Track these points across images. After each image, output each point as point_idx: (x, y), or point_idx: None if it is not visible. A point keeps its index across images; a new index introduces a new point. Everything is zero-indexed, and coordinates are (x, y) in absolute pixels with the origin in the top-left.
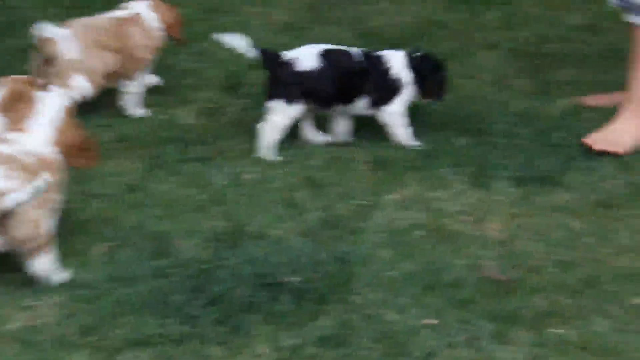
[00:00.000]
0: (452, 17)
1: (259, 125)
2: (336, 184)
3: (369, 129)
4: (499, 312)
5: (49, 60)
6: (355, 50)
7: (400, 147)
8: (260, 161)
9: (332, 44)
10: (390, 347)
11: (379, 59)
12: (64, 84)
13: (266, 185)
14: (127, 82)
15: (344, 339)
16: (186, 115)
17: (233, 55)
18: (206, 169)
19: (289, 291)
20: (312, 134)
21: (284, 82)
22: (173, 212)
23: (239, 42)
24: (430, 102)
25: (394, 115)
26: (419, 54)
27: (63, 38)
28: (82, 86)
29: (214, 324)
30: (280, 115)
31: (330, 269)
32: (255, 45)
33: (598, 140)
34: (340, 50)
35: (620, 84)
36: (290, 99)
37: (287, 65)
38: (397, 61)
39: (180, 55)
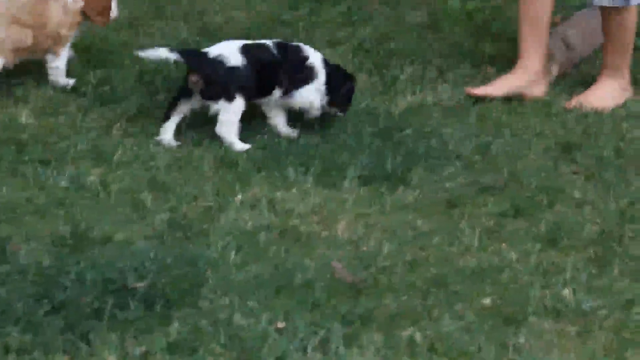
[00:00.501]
0: (294, 14)
1: (216, 129)
2: (182, 185)
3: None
4: (350, 314)
5: None
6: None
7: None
8: (102, 162)
9: (172, 40)
10: (241, 352)
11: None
12: None
13: (109, 188)
14: (51, 57)
15: (194, 345)
16: (25, 115)
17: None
18: (46, 170)
19: (137, 297)
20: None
21: (219, 81)
22: (10, 216)
23: (158, 53)
24: (335, 111)
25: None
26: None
27: None
28: None
29: (59, 332)
30: (229, 113)
31: (178, 273)
32: (172, 48)
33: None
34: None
35: (466, 80)
36: (229, 97)
37: (218, 63)
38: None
39: None
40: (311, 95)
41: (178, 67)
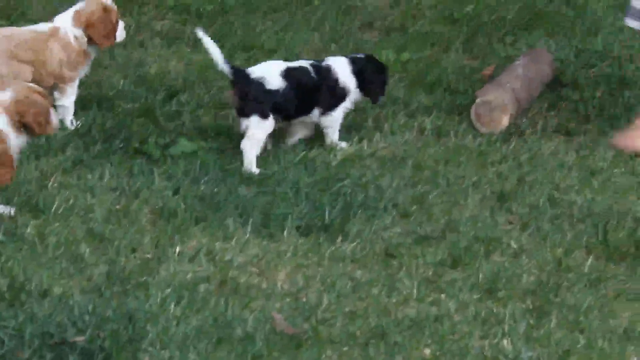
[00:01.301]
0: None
1: (242, 143)
2: (119, 237)
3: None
4: None
5: None
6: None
7: (183, 197)
8: (39, 214)
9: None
10: None
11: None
12: None
13: (47, 240)
14: (58, 95)
15: None
16: None
17: None
18: None
19: (76, 351)
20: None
21: (256, 99)
22: None
23: (217, 53)
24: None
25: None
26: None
27: None
28: None
29: None
30: (258, 130)
31: (117, 326)
32: (227, 61)
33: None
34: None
35: (401, 130)
36: (263, 115)
37: (258, 84)
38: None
39: None
40: (341, 114)
41: (115, 117)
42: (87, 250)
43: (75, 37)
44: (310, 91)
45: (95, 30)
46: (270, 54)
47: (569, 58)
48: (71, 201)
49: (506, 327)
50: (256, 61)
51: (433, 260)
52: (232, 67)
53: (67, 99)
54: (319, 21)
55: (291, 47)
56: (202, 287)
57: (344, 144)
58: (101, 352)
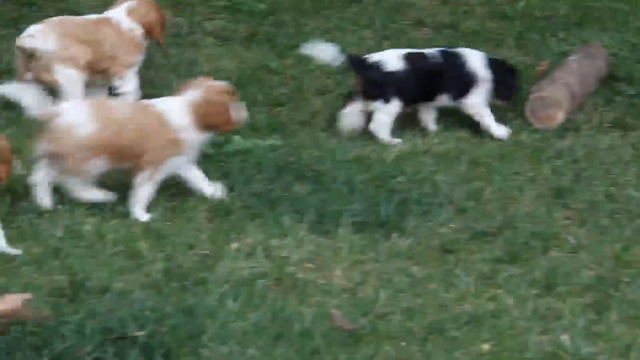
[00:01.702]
0: (282, 63)
1: (370, 126)
2: (177, 234)
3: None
4: None
5: (31, 56)
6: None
7: (239, 194)
8: (97, 212)
9: (164, 89)
10: None
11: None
12: (51, 77)
13: (105, 237)
14: (119, 82)
15: None
16: (20, 165)
17: None
18: (40, 221)
19: (137, 346)
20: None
21: (377, 83)
22: (7, 267)
23: (325, 54)
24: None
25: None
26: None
27: (38, 32)
28: (67, 74)
29: None
30: (383, 113)
31: (177, 321)
32: (342, 52)
33: None
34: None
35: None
36: (385, 99)
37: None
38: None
39: None
40: (477, 100)
41: None
42: (145, 247)
43: (128, 27)
44: (433, 76)
45: (149, 25)
46: None
47: (623, 53)
48: (129, 199)
49: (565, 323)
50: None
51: (490, 257)
52: (348, 55)
53: (129, 85)
54: (369, 19)
55: (343, 45)
56: (259, 283)
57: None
58: (161, 347)
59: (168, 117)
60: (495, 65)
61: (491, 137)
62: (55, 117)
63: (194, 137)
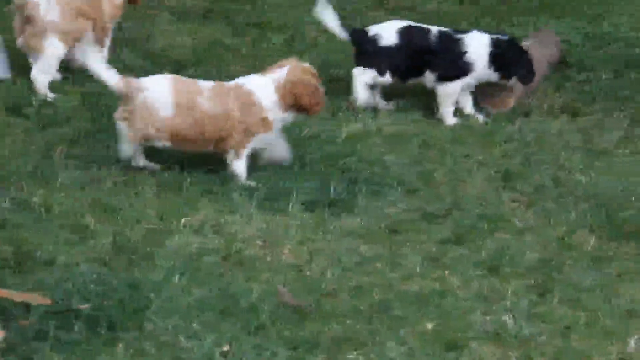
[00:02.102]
0: (238, 40)
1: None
2: (126, 209)
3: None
4: (295, 339)
5: (29, 20)
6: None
7: (191, 171)
8: (46, 184)
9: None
10: None
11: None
12: (39, 44)
13: (54, 210)
14: (100, 49)
15: None
16: None
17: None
18: None
19: (81, 319)
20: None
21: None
22: None
23: (333, 22)
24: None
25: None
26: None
27: (44, 1)
28: (56, 46)
29: (0, 354)
30: (366, 77)
31: (123, 296)
32: (346, 26)
33: None
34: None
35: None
36: (380, 70)
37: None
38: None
39: None
40: (455, 89)
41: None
42: (93, 220)
43: None
44: (423, 53)
45: None
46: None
47: (575, 40)
48: (77, 172)
49: (508, 304)
50: (267, 37)
51: (437, 237)
52: (351, 29)
53: (105, 52)
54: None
55: (299, 25)
56: (207, 259)
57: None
58: (106, 321)
59: (256, 96)
60: (500, 48)
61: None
62: (138, 91)
63: (280, 117)
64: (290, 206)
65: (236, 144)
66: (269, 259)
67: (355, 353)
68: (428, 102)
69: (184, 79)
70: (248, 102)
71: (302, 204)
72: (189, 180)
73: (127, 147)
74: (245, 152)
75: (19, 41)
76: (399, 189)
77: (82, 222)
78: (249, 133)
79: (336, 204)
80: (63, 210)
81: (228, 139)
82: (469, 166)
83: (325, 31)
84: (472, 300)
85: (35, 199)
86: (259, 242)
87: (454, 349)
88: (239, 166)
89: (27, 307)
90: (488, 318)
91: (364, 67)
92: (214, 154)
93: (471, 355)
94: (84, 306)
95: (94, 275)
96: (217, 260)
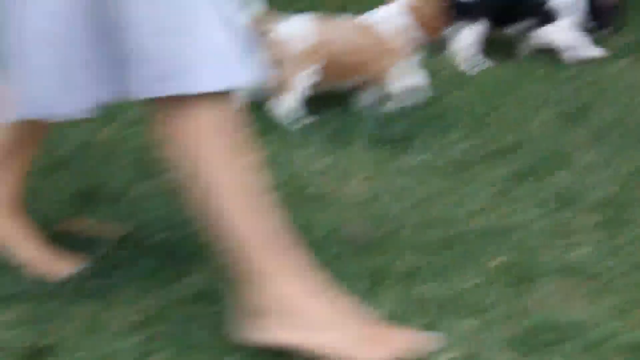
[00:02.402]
0: None
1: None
2: None
3: None
4: (362, 272)
5: None
6: None
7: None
8: (114, 119)
9: None
10: None
11: None
12: None
13: (123, 145)
14: None
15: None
16: None
17: None
18: (57, 128)
19: (155, 249)
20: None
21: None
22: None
23: None
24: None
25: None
26: None
27: None
28: None
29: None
30: (468, 33)
31: (194, 228)
32: None
33: None
34: None
35: None
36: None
37: None
38: None
39: None
40: (556, 34)
41: None
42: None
43: None
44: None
45: None
46: None
47: None
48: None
49: (578, 239)
50: None
51: (504, 173)
52: None
53: None
54: None
55: None
56: (274, 194)
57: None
58: (183, 251)
59: (386, 28)
60: None
61: (511, 58)
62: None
63: (412, 43)
64: (354, 145)
65: (373, 78)
66: (333, 195)
67: (426, 285)
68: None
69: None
70: (378, 35)
71: (367, 141)
72: (255, 116)
73: None
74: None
75: None
76: (464, 127)
77: (154, 156)
78: (382, 66)
79: (400, 141)
80: (133, 146)
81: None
82: (535, 104)
83: None
84: (540, 236)
85: (102, 135)
86: (323, 179)
87: (522, 283)
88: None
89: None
90: (557, 253)
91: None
92: None
93: (541, 290)
94: (162, 236)
95: (167, 208)
96: (287, 194)
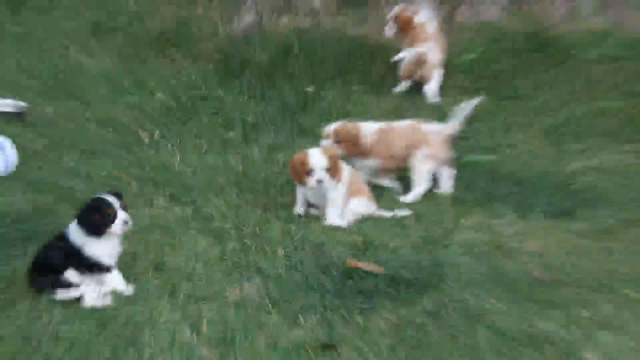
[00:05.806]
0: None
1: None
2: (430, 215)
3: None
4: (543, 300)
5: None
6: None
7: (472, 192)
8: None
9: None
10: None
11: None
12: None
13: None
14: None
15: (441, 314)
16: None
17: None
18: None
19: (403, 282)
20: None
21: None
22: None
23: None
24: None
25: None
26: None
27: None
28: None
29: (354, 295)
30: None
31: (429, 269)
32: None
33: None
34: None
35: None
36: None
37: None
38: None
39: None
40: None
41: None
42: (409, 222)
43: None
44: None
45: None
46: None
47: None
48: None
49: None
50: None
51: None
52: None
53: None
54: None
55: None
56: (482, 248)
57: None
58: (419, 284)
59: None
60: None
61: None
62: None
63: None
64: (533, 214)
65: None
66: (521, 248)
67: (585, 311)
68: None
69: None
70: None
71: (542, 212)
72: (469, 197)
73: None
74: None
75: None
76: (612, 204)
77: (403, 222)
78: None
79: (565, 213)
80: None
81: None
82: None
83: None
84: None
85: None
86: (514, 237)
87: None
88: None
89: (376, 276)
90: None
91: None
92: None
93: None
94: (407, 275)
95: (412, 256)
96: (488, 249)
